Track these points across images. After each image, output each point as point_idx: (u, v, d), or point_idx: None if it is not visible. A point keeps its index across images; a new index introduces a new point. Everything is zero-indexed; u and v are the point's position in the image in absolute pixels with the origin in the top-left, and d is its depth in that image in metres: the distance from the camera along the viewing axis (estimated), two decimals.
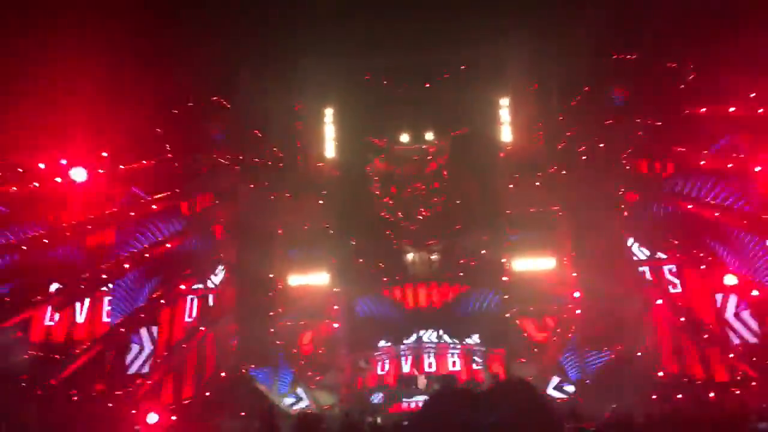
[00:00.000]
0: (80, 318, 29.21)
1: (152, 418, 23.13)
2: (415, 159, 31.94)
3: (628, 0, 26.39)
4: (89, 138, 26.87)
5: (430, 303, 29.70)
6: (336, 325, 29.07)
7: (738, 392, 23.63)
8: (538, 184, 29.78)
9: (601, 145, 28.29)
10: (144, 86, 26.44)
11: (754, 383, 23.38)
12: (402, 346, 29.27)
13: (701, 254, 26.47)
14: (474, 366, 28.99)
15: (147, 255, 28.03)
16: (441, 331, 29.19)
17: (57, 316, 28.62)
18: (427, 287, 29.98)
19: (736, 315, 27.02)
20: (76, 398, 26.47)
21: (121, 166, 28.35)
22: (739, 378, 24.33)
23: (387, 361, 29.35)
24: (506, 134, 31.29)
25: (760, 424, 13.33)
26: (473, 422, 6.15)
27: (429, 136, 31.72)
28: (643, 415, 15.96)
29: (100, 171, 27.92)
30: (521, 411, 6.09)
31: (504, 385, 6.63)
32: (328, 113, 32.14)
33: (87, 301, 28.95)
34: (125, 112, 26.29)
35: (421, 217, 31.41)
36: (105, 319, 28.86)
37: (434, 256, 30.98)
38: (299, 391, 28.16)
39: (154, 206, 28.70)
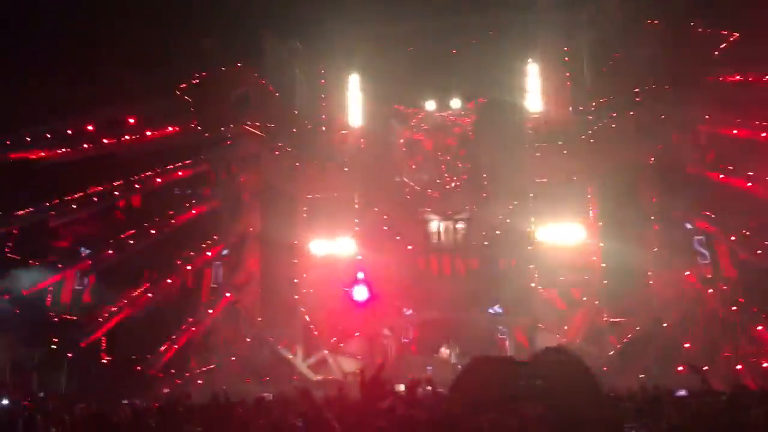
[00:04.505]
0: None
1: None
2: (441, 127, 31.50)
3: None
4: (116, 104, 27.13)
5: (453, 272, 29.51)
6: (360, 293, 28.96)
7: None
8: (565, 152, 29.20)
9: (631, 113, 27.82)
10: (169, 51, 26.42)
11: None
12: (425, 315, 29.21)
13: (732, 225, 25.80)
14: (498, 335, 28.89)
15: (173, 222, 28.31)
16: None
17: (86, 280, 28.92)
18: (451, 256, 29.81)
19: None
20: (105, 361, 27.07)
21: (148, 133, 28.55)
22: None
23: (410, 329, 29.37)
24: (534, 102, 30.72)
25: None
26: (516, 389, 6.10)
27: (455, 103, 31.22)
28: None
29: (126, 137, 28.32)
30: (566, 379, 5.98)
31: (547, 353, 6.50)
32: (354, 80, 31.84)
33: None
34: (151, 78, 26.30)
35: (446, 186, 31.08)
36: None
37: (459, 225, 30.78)
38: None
39: (179, 173, 28.97)
